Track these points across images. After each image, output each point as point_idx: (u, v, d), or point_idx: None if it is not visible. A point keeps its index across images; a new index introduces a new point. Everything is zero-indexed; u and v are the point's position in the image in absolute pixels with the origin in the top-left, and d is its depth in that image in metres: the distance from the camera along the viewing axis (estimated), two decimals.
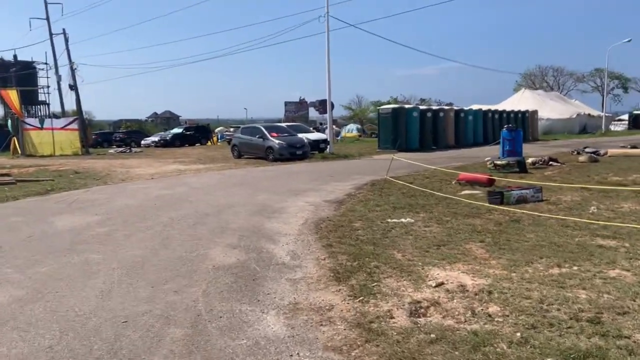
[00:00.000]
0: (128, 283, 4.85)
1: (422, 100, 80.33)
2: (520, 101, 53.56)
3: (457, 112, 30.27)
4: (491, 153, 21.31)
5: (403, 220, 7.46)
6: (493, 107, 38.64)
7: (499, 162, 13.65)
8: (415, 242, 6.09)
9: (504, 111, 35.79)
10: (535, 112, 40.72)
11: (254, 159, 21.22)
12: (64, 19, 42.84)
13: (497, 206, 8.26)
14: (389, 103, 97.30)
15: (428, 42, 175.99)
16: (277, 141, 20.53)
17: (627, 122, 64.91)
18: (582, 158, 16.10)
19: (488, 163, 14.07)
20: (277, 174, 15.35)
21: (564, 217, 7.10)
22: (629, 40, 52.18)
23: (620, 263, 4.79)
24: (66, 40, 31.04)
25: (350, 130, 60.31)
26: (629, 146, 22.42)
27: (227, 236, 6.83)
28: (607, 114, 62.60)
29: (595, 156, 16.37)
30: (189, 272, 5.16)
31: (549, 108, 52.48)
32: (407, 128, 25.87)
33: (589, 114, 61.59)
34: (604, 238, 5.83)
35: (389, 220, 7.50)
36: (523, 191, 8.66)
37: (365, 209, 8.50)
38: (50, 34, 31.42)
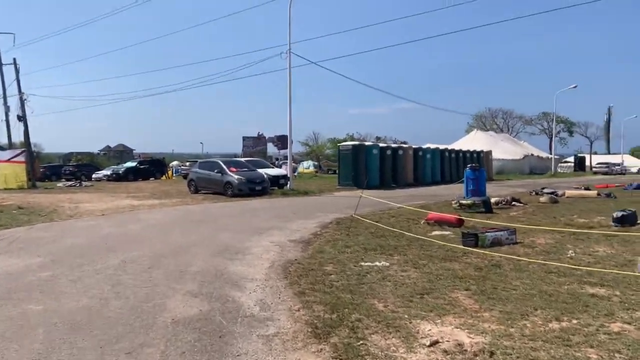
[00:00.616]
0: (71, 342, 4.10)
1: (378, 139, 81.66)
2: (473, 141, 55.22)
3: (416, 151, 30.58)
4: (452, 192, 21.39)
5: (378, 263, 6.99)
6: (448, 147, 39.48)
7: (464, 202, 13.52)
8: (395, 289, 5.60)
9: (460, 150, 36.53)
10: (489, 153, 41.79)
11: (211, 194, 20.42)
12: (16, 49, 40.92)
13: (472, 249, 7.93)
14: (345, 140, 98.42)
15: (381, 82, 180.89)
16: (236, 176, 19.88)
17: (572, 164, 68.03)
18: (542, 199, 16.27)
19: (454, 202, 13.92)
20: (237, 211, 14.67)
21: (545, 262, 6.82)
22: (574, 87, 55.13)
23: (619, 315, 4.45)
24: (16, 70, 29.71)
25: (307, 166, 60.20)
26: (582, 187, 23.04)
27: (186, 281, 6.14)
28: (555, 156, 65.48)
29: (555, 197, 16.59)
30: (145, 328, 4.45)
31: (501, 149, 54.17)
32: (367, 165, 25.78)
33: (537, 156, 64.19)
34: (592, 286, 5.53)
35: (363, 263, 7.01)
36: (497, 233, 8.39)
37: (335, 251, 7.99)
38: (0, 64, 29.91)
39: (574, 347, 3.71)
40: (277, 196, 20.06)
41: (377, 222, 11.19)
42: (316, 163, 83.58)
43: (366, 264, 6.98)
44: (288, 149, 24.57)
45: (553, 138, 64.48)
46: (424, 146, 32.31)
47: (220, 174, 20.34)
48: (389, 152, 27.75)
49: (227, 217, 13.17)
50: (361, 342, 3.99)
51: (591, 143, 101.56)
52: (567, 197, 18.37)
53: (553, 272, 6.28)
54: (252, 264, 7.19)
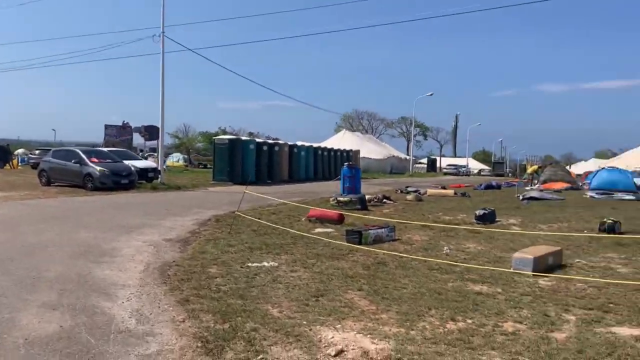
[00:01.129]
0: None
1: (251, 134, 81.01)
2: (342, 141, 57.18)
3: (291, 147, 30.69)
4: (327, 189, 21.76)
5: (265, 264, 6.61)
6: (320, 145, 40.33)
7: (342, 199, 13.70)
8: (288, 292, 5.28)
9: (332, 149, 37.52)
10: (357, 152, 43.56)
11: (68, 186, 18.34)
12: None
13: (356, 246, 7.92)
14: (217, 134, 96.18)
15: (256, 77, 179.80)
16: (98, 167, 18.06)
17: (425, 165, 74.23)
18: (409, 197, 17.17)
19: (331, 199, 14.04)
20: (101, 206, 13.25)
21: (425, 259, 7.00)
22: (431, 94, 59.91)
23: (509, 314, 4.59)
24: None
25: (177, 159, 57.61)
26: (440, 187, 24.92)
27: (42, 290, 5.20)
28: (412, 158, 70.64)
29: (419, 195, 17.60)
30: None
31: (366, 149, 56.82)
32: (244, 160, 25.22)
33: (398, 157, 68.67)
34: (475, 283, 5.74)
35: (250, 264, 6.58)
36: (379, 230, 8.50)
37: (217, 250, 7.44)
38: None
39: (477, 350, 3.70)
40: (146, 190, 18.64)
41: (258, 219, 10.80)
42: (186, 156, 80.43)
43: (253, 264, 6.57)
44: (159, 140, 23.04)
45: (412, 141, 69.48)
46: (299, 143, 32.56)
47: (78, 165, 18.33)
48: (265, 147, 27.44)
49: (89, 213, 11.81)
50: (260, 356, 3.59)
51: (441, 146, 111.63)
52: (429, 196, 19.64)
53: (435, 269, 6.45)
54: (123, 267, 6.37)
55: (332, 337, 3.93)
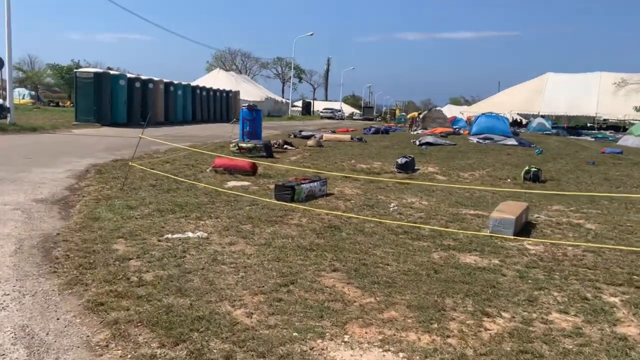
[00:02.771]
0: None
1: (110, 69, 73.18)
2: (216, 81, 54.00)
3: (167, 85, 27.64)
4: (214, 132, 19.83)
5: (190, 234, 5.06)
6: (192, 84, 37.21)
7: (244, 145, 12.14)
8: (242, 279, 3.89)
9: (210, 89, 34.84)
10: (238, 93, 41.31)
11: None
12: None
13: (288, 204, 6.64)
14: (71, 68, 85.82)
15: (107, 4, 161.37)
16: None
17: (301, 108, 74.00)
18: (310, 142, 16.10)
19: (231, 146, 12.40)
20: None
21: (381, 220, 5.97)
22: (311, 34, 58.49)
23: (542, 300, 3.70)
24: None
25: (22, 96, 50.28)
26: (329, 131, 24.31)
27: None
28: (287, 100, 69.71)
29: (320, 141, 16.61)
30: None
31: (243, 90, 54.53)
32: (113, 99, 21.99)
33: (274, 99, 67.28)
34: (461, 252, 4.82)
35: (169, 235, 4.98)
36: (311, 184, 7.28)
37: (115, 215, 5.65)
38: None
39: None
40: None
41: (152, 169, 8.91)
42: (33, 93, 70.75)
43: (174, 236, 4.98)
44: (6, 71, 18.85)
45: (291, 83, 68.23)
46: (176, 82, 29.47)
47: None
48: (138, 84, 24.21)
49: None
50: None
51: (314, 90, 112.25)
52: (326, 141, 18.80)
53: (400, 233, 5.45)
54: None
55: None
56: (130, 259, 4.24)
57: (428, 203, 7.23)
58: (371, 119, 77.54)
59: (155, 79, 26.29)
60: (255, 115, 13.76)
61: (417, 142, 18.25)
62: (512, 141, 20.51)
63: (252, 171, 9.17)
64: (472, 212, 6.67)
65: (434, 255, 4.64)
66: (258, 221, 5.74)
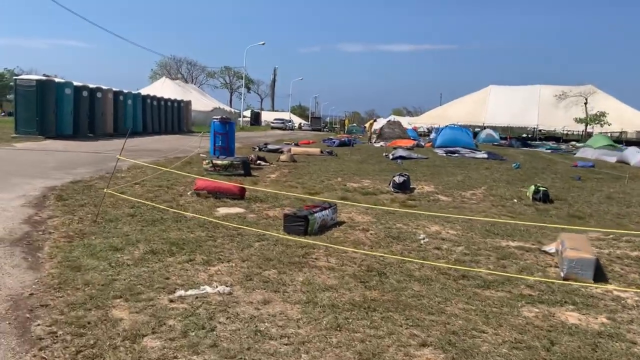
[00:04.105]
0: None
1: (47, 77, 69.14)
2: (163, 90, 51.79)
3: (116, 94, 25.76)
4: (172, 146, 18.44)
5: (208, 288, 3.97)
6: (142, 93, 35.31)
7: (219, 162, 10.98)
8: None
9: (162, 98, 33.05)
10: (189, 103, 39.65)
11: None
12: None
13: (301, 239, 5.65)
14: (3, 76, 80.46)
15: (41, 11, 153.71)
16: None
17: (249, 118, 72.86)
18: (283, 157, 15.07)
19: (204, 162, 11.20)
20: None
21: (421, 261, 5.08)
22: (263, 43, 57.51)
23: None
24: None
25: None
26: (293, 143, 23.37)
27: None
28: (236, 110, 68.25)
29: (293, 156, 15.62)
30: None
31: (193, 100, 52.82)
32: (58, 109, 20.07)
33: (223, 109, 65.67)
34: (553, 306, 3.98)
35: (182, 292, 3.88)
36: (323, 212, 6.31)
37: (101, 262, 4.47)
38: None
39: None
40: None
41: (122, 193, 7.64)
42: None
43: (189, 292, 3.88)
44: None
45: (243, 93, 66.58)
46: (125, 91, 27.59)
47: None
48: (85, 93, 22.32)
49: None
50: None
51: (262, 100, 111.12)
52: (294, 154, 17.84)
53: (458, 277, 4.57)
54: None
55: None
56: (144, 335, 3.13)
57: (456, 232, 6.42)
58: (319, 130, 77.15)
59: (104, 87, 24.43)
60: (228, 128, 12.60)
61: (391, 156, 17.61)
62: (481, 154, 20.32)
63: (240, 195, 8.08)
64: (513, 243, 5.91)
65: (525, 314, 3.79)
66: (280, 264, 4.72)
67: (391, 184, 9.70)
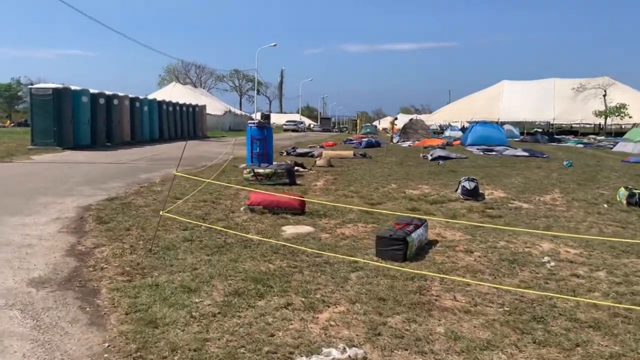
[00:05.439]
0: None
1: (63, 85, 68.63)
2: (173, 95, 51.27)
3: (133, 101, 24.90)
4: (195, 153, 17.52)
5: (335, 353, 2.99)
6: (148, 97, 34.49)
7: (261, 171, 10.02)
8: None
9: (177, 103, 32.16)
10: (204, 107, 38.79)
11: None
12: None
13: (401, 267, 4.66)
14: (11, 86, 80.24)
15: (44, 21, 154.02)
16: None
17: (259, 121, 71.93)
18: (320, 162, 14.10)
19: (245, 171, 10.25)
20: None
21: (581, 299, 4.07)
22: (274, 45, 56.62)
23: None
24: None
25: None
26: (318, 147, 22.44)
27: None
28: (246, 113, 67.49)
29: (330, 160, 14.61)
30: None
31: (204, 104, 52.19)
32: (75, 118, 19.22)
33: (234, 112, 64.98)
34: None
35: (303, 359, 2.90)
36: (419, 232, 5.31)
37: (179, 312, 3.51)
38: None
39: None
40: None
41: (167, 211, 6.67)
42: None
43: (313, 359, 2.90)
44: None
45: (256, 95, 65.66)
46: (141, 97, 26.76)
47: None
48: (102, 100, 21.46)
49: None
50: None
51: (270, 102, 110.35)
52: (331, 158, 16.85)
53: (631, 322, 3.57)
54: None
55: None
56: None
57: (578, 251, 5.38)
58: (329, 130, 76.17)
59: (120, 94, 23.59)
60: (266, 133, 11.62)
61: (429, 157, 16.58)
62: (520, 152, 19.22)
63: (300, 209, 7.11)
64: None
65: None
66: (399, 306, 3.73)
67: (460, 191, 8.67)
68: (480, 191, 8.94)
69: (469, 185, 8.53)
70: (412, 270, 4.44)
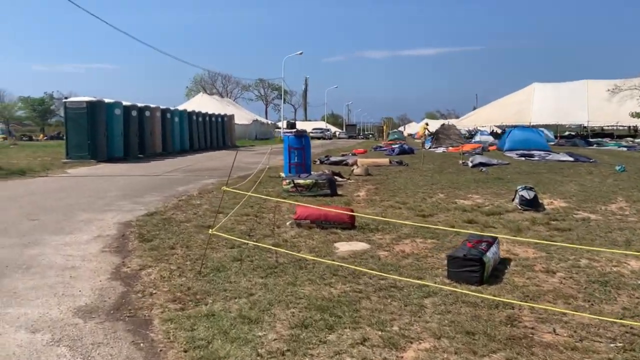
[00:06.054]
0: None
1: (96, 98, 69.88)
2: (201, 105, 51.54)
3: (164, 112, 24.93)
4: (227, 163, 17.22)
5: None
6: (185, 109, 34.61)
7: (301, 181, 9.62)
8: None
9: (206, 114, 32.18)
10: (232, 117, 38.83)
11: None
12: None
13: (480, 294, 4.16)
14: (44, 101, 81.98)
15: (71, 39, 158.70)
16: None
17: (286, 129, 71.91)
18: (357, 170, 13.63)
19: (284, 182, 9.86)
20: None
21: None
22: (300, 53, 56.63)
23: None
24: None
25: None
26: (349, 154, 22.03)
27: None
28: (272, 122, 67.51)
29: (367, 169, 14.14)
30: None
31: (232, 114, 52.37)
32: (109, 130, 19.24)
33: (260, 121, 65.11)
34: None
35: None
36: (493, 250, 4.80)
37: (244, 349, 3.10)
38: None
39: None
40: None
41: (210, 226, 6.29)
42: (3, 127, 67.68)
43: None
44: None
45: (282, 104, 65.69)
46: (172, 108, 26.82)
47: None
48: (134, 113, 21.51)
49: None
50: None
51: (295, 110, 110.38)
52: (368, 167, 16.38)
53: None
54: None
55: None
56: None
57: None
58: (355, 137, 75.60)
59: (152, 105, 23.62)
60: (304, 142, 11.23)
61: (470, 164, 15.95)
62: (564, 157, 18.38)
63: (351, 223, 6.66)
64: None
65: None
66: (493, 343, 3.23)
67: (517, 200, 8.09)
68: (540, 200, 8.34)
69: (527, 194, 7.94)
70: (496, 298, 3.93)
